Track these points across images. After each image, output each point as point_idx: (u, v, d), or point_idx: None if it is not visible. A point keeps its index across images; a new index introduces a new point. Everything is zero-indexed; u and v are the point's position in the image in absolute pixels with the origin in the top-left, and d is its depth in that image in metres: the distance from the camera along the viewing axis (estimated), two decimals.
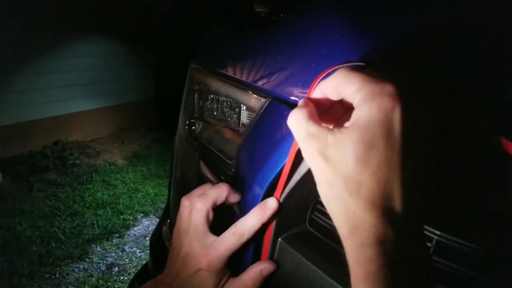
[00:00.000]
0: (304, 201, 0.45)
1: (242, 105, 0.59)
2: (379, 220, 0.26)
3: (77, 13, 3.79)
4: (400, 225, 0.26)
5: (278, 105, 0.49)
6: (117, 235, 2.50)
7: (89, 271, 2.13)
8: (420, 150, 0.28)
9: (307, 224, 0.47)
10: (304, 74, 0.47)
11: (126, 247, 2.39)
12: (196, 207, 0.45)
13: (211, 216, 0.46)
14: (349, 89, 0.29)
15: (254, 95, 0.56)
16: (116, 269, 2.18)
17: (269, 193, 0.45)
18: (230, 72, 0.63)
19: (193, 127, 0.77)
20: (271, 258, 0.46)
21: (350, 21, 0.46)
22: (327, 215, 0.45)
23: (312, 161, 0.31)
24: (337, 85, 0.31)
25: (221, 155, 0.62)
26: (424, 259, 0.28)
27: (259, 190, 0.47)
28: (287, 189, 0.43)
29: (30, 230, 2.40)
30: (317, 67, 0.45)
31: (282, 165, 0.44)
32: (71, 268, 2.13)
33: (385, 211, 0.26)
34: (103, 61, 4.30)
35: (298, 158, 0.41)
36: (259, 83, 0.54)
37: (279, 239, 0.45)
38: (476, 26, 0.36)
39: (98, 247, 2.35)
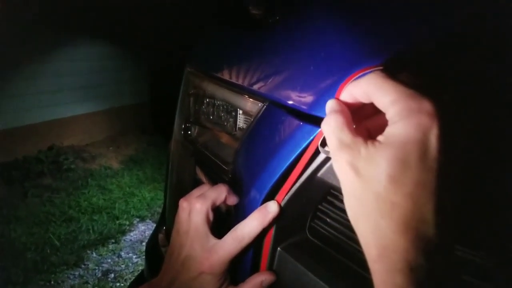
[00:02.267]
0: (304, 209, 0.44)
1: (238, 109, 0.58)
2: (411, 244, 0.25)
3: (70, 17, 3.77)
4: (433, 250, 0.25)
5: (276, 110, 0.48)
6: (113, 240, 2.46)
7: (84, 277, 2.10)
8: (456, 171, 0.27)
9: (307, 232, 0.45)
10: (302, 77, 0.45)
11: (122, 253, 2.36)
12: (196, 208, 0.44)
13: (211, 217, 0.45)
14: (382, 100, 0.28)
15: (251, 99, 0.54)
16: (112, 275, 2.15)
17: (268, 199, 0.44)
18: (226, 75, 0.62)
19: (189, 132, 0.75)
20: (270, 268, 0.45)
21: (350, 23, 0.45)
22: (327, 223, 0.44)
23: (341, 172, 0.29)
24: (368, 92, 0.29)
25: (217, 160, 0.61)
26: (457, 284, 0.27)
27: (258, 196, 0.46)
28: (287, 197, 0.42)
29: (25, 237, 2.36)
30: (316, 70, 0.44)
31: (282, 170, 0.43)
32: (66, 275, 2.10)
33: (418, 235, 0.25)
34: (98, 65, 4.27)
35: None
36: (256, 87, 0.53)
37: (278, 248, 0.44)
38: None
39: (94, 253, 2.31)
